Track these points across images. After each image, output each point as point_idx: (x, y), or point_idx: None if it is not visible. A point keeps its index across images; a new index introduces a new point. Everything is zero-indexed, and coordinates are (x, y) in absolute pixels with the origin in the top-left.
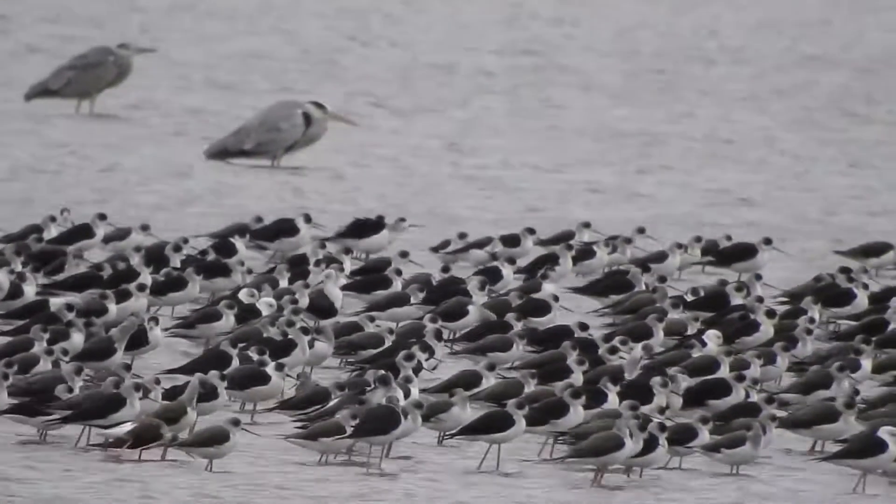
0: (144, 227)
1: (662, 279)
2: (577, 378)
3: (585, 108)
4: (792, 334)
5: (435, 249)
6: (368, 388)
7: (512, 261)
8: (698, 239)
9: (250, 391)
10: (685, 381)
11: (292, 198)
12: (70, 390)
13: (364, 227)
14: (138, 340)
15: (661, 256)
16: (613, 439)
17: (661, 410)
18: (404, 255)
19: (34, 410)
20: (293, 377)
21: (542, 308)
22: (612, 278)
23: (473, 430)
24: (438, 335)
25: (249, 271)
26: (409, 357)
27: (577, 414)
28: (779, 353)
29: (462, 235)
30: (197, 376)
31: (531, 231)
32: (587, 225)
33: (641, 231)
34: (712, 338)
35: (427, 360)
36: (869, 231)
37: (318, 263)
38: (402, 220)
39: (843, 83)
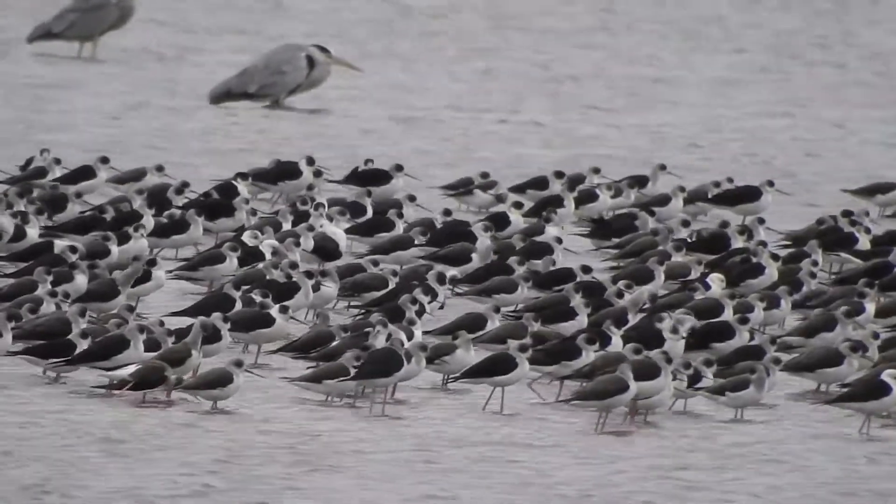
0: (160, 168)
1: (686, 223)
2: (582, 321)
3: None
4: (796, 278)
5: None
6: (372, 331)
7: (519, 205)
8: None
9: (254, 333)
10: (690, 323)
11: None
12: (84, 335)
13: (369, 175)
14: (139, 279)
15: (664, 199)
16: (617, 382)
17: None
18: (412, 199)
19: (44, 352)
20: (298, 320)
21: (545, 251)
22: (618, 222)
23: (477, 372)
24: (441, 279)
25: (254, 211)
26: (413, 300)
27: (590, 359)
28: (783, 297)
29: (485, 175)
30: (200, 319)
31: (559, 175)
32: (597, 170)
33: (663, 168)
34: (715, 281)
35: (430, 302)
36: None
37: (317, 206)
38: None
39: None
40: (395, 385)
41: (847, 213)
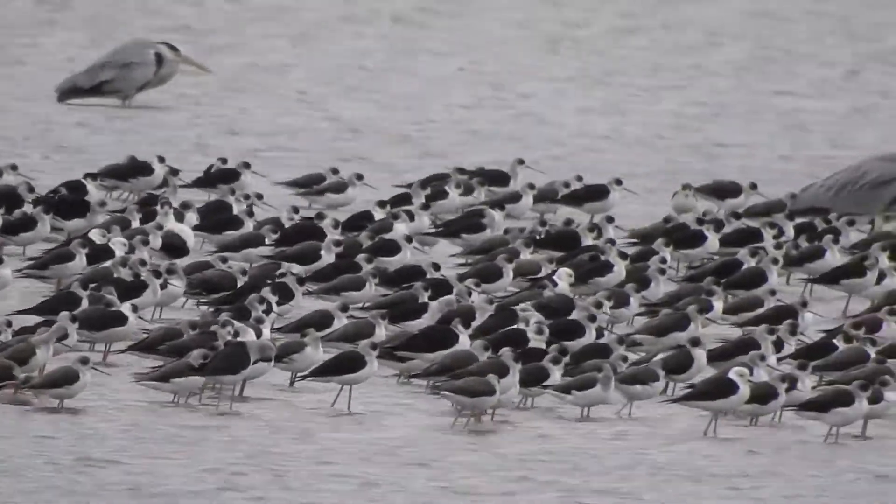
0: (13, 167)
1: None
2: (431, 318)
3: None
4: (644, 275)
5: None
6: (219, 329)
7: (382, 204)
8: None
9: (106, 332)
10: (535, 319)
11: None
12: None
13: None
14: None
15: (514, 197)
16: (486, 384)
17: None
18: (259, 196)
19: None
20: (145, 319)
21: (393, 248)
22: (467, 219)
23: (326, 371)
24: (301, 281)
25: (111, 211)
26: (261, 299)
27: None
28: (631, 294)
29: (335, 171)
30: (64, 316)
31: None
32: (462, 171)
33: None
34: (563, 276)
35: (282, 304)
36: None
37: (164, 204)
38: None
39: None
40: (243, 382)
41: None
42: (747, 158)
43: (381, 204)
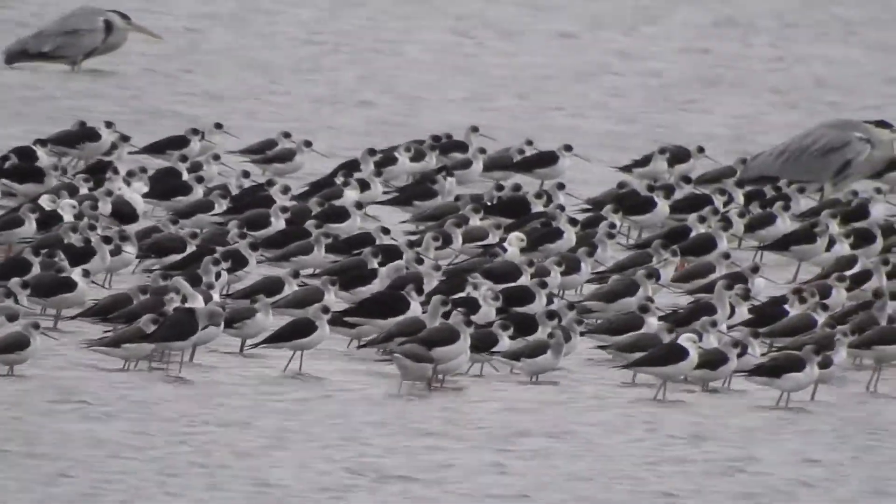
0: None
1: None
2: (381, 284)
3: None
4: (593, 241)
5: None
6: (169, 295)
7: (347, 182)
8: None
9: (56, 298)
10: (484, 287)
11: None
12: None
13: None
14: None
15: (465, 163)
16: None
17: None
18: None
19: None
20: (98, 284)
21: (342, 215)
22: (418, 186)
23: (278, 337)
24: (254, 246)
25: (64, 172)
26: (216, 261)
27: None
28: (583, 260)
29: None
30: (14, 283)
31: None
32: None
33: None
34: (514, 241)
35: (235, 270)
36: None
37: (115, 171)
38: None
39: None
40: (193, 348)
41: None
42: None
43: (346, 183)
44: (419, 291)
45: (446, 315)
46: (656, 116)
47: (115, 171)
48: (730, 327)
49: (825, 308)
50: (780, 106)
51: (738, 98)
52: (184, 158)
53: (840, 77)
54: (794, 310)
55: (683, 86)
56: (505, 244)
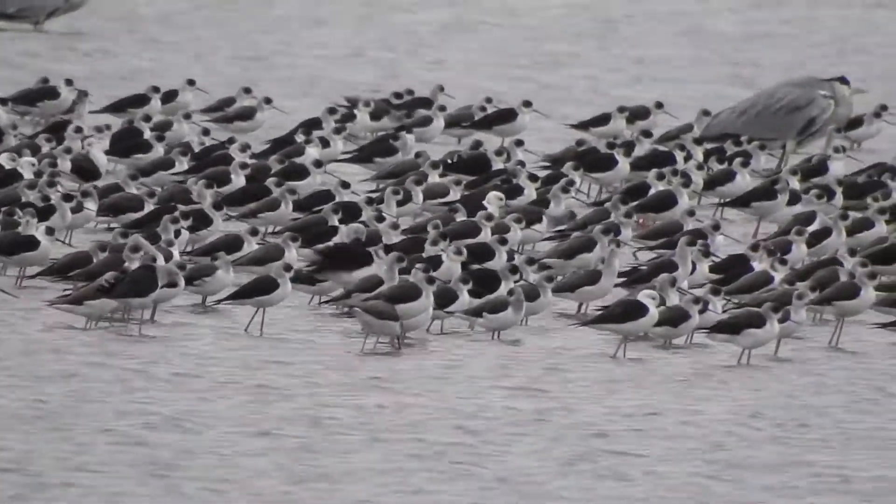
0: None
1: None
2: (342, 241)
3: None
4: (546, 197)
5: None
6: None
7: (308, 140)
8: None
9: (19, 257)
10: (443, 243)
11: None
12: None
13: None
14: None
15: (426, 121)
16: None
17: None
18: (187, 116)
19: None
20: (62, 241)
21: (303, 172)
22: (379, 144)
23: (240, 294)
24: (218, 206)
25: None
26: (174, 220)
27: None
28: (544, 216)
29: (269, 100)
30: None
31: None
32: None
33: (441, 90)
34: (493, 200)
35: (199, 229)
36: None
37: (78, 129)
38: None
39: None
40: (154, 306)
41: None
42: None
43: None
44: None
45: (405, 272)
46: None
47: (78, 130)
48: (700, 285)
49: (784, 263)
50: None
51: None
52: (147, 118)
53: None
54: (759, 265)
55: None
56: (484, 202)
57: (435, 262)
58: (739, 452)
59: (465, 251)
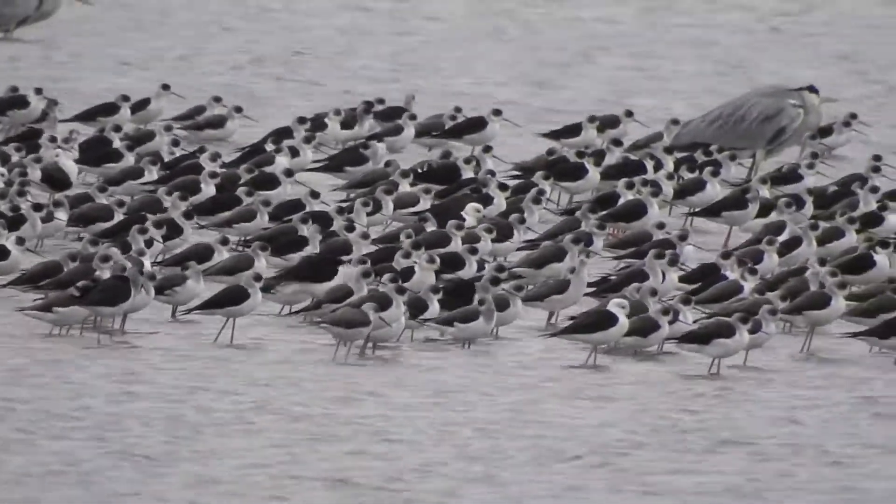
0: None
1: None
2: (313, 250)
3: None
4: (521, 207)
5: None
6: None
7: (278, 148)
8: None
9: None
10: (416, 253)
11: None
12: None
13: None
14: None
15: (396, 129)
16: (361, 314)
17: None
18: (168, 128)
19: None
20: (33, 251)
21: (273, 181)
22: (350, 153)
23: (210, 304)
24: (188, 215)
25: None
26: (142, 231)
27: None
28: (515, 227)
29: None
30: None
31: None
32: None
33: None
34: (471, 211)
35: (170, 239)
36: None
37: (52, 139)
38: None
39: None
40: (124, 315)
41: (580, 154)
42: None
43: (277, 147)
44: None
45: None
46: None
47: (52, 140)
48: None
49: (754, 273)
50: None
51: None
52: (118, 128)
53: None
54: (732, 275)
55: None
56: (463, 213)
57: (406, 273)
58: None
59: (437, 259)
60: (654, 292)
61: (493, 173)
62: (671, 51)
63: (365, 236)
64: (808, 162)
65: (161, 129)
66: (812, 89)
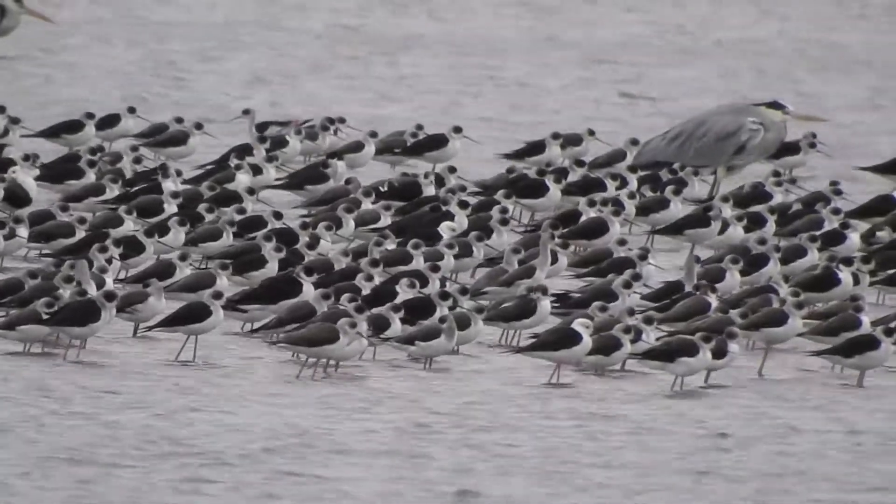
0: None
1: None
2: (273, 268)
3: None
4: (487, 225)
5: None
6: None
7: (240, 165)
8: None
9: None
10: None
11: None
12: None
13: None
14: None
15: (357, 147)
16: (330, 331)
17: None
18: (101, 149)
19: None
20: None
21: (235, 199)
22: (311, 171)
23: (172, 322)
24: (149, 233)
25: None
26: (102, 249)
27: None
28: (474, 244)
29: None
30: None
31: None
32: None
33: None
34: (446, 230)
35: (130, 257)
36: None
37: (11, 161)
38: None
39: None
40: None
41: (544, 168)
42: None
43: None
44: (309, 274)
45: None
46: None
47: (11, 162)
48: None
49: (714, 291)
50: None
51: None
52: (93, 152)
53: None
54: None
55: None
56: (439, 229)
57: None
58: None
59: (416, 283)
60: (631, 312)
61: (453, 192)
62: None
63: (346, 254)
64: (775, 180)
65: (128, 150)
66: (775, 105)
